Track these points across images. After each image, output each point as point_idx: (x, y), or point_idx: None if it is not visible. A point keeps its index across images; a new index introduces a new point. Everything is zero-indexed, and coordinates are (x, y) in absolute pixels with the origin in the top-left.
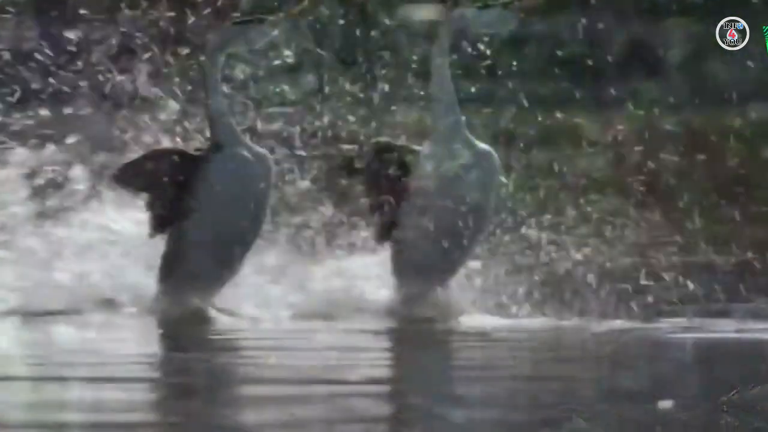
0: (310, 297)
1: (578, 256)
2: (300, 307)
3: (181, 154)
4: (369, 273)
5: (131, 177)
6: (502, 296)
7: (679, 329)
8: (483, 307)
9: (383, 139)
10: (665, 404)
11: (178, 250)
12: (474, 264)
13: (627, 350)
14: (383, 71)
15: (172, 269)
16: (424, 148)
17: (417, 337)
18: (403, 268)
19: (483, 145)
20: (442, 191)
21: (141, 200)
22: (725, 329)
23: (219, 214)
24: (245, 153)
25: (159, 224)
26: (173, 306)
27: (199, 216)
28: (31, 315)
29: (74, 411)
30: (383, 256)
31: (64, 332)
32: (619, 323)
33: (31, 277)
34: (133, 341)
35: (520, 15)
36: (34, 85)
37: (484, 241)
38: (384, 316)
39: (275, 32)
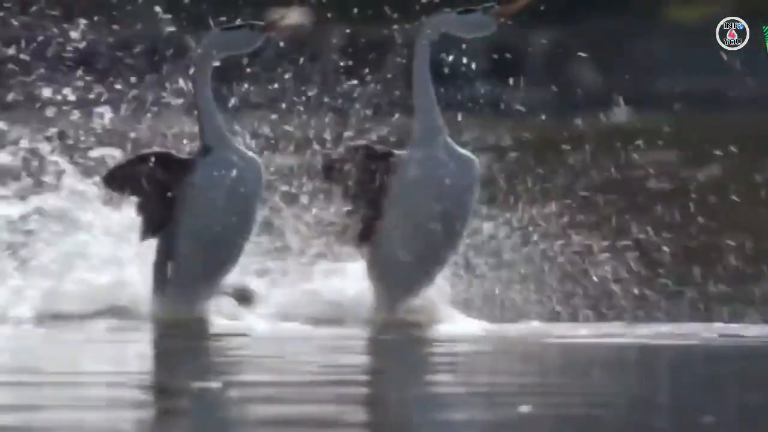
0: (291, 300)
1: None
2: (282, 310)
3: (170, 157)
4: (349, 277)
5: (120, 180)
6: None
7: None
8: (459, 312)
9: (363, 143)
10: (524, 408)
11: (168, 254)
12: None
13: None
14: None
15: (163, 273)
16: (405, 152)
17: (393, 341)
18: (380, 272)
19: (464, 151)
20: (422, 196)
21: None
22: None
23: (207, 218)
24: (234, 157)
25: (149, 228)
26: (167, 309)
27: (187, 219)
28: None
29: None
30: (362, 260)
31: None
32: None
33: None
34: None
35: (500, 20)
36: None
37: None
38: (364, 321)
39: (263, 38)
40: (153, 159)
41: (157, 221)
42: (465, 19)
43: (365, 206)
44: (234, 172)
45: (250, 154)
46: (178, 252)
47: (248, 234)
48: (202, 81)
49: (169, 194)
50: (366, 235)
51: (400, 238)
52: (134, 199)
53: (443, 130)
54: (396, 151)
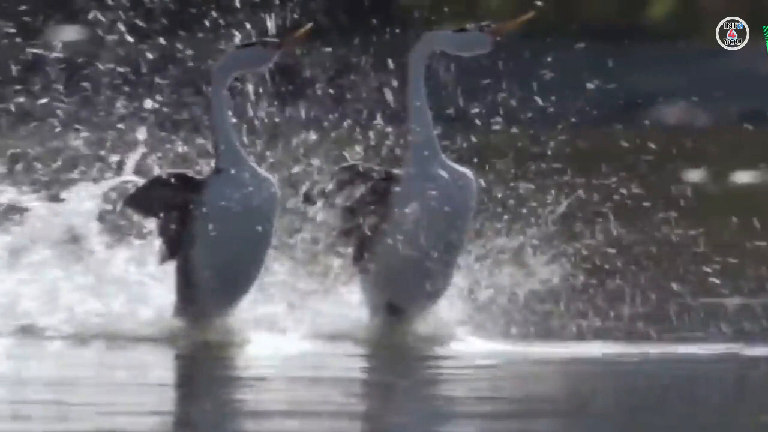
0: (294, 321)
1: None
2: (286, 330)
3: (186, 177)
4: (348, 297)
5: (141, 202)
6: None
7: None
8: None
9: (355, 163)
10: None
11: (187, 274)
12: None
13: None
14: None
15: (182, 294)
16: (402, 171)
17: (391, 361)
18: (378, 290)
19: (460, 168)
20: (421, 213)
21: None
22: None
23: (223, 237)
24: (249, 176)
25: (170, 250)
26: (186, 330)
27: (203, 239)
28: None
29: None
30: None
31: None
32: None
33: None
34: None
35: (495, 38)
36: None
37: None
38: (361, 340)
39: (277, 55)
40: (170, 180)
41: (176, 242)
42: (461, 38)
43: (363, 225)
44: (249, 191)
45: (265, 173)
46: (196, 272)
47: (264, 253)
48: (218, 100)
49: (186, 214)
50: (363, 254)
51: (400, 255)
52: (153, 221)
53: (438, 147)
54: (393, 170)
